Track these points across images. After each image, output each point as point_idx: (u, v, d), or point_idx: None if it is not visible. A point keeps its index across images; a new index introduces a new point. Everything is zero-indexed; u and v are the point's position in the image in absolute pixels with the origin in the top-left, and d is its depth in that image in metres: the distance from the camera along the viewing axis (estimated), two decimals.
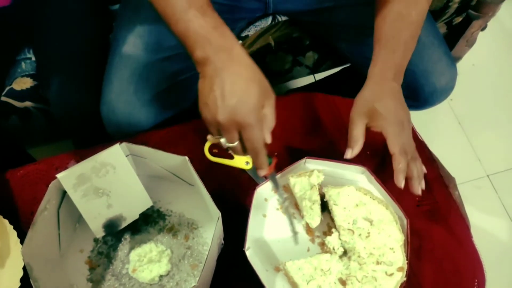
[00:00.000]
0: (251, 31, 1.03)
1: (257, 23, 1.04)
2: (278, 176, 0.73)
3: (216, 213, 0.62)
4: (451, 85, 0.93)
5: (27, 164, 0.78)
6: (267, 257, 0.68)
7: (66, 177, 0.63)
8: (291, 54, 1.11)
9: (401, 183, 0.67)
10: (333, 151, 0.80)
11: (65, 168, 0.65)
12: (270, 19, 1.04)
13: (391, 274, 0.65)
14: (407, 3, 0.73)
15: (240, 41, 1.03)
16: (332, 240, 0.68)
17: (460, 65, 1.31)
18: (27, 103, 1.00)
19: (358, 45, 0.94)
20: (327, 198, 0.71)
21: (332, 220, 0.71)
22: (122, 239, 0.72)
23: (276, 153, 0.69)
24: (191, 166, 0.66)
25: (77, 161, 0.66)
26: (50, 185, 0.63)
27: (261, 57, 1.07)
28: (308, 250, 0.70)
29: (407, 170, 0.68)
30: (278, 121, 0.82)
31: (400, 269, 0.65)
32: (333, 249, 0.68)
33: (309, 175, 0.71)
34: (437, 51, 0.90)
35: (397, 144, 0.67)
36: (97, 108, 0.86)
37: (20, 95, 0.99)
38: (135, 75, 0.82)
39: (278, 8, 0.98)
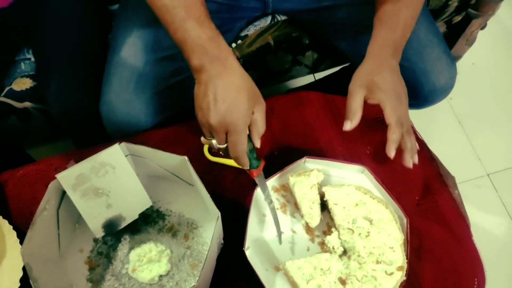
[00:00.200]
0: (251, 30, 1.03)
1: (256, 23, 1.04)
2: (277, 176, 0.73)
3: (216, 213, 0.62)
4: (451, 84, 0.93)
5: (26, 164, 0.78)
6: (266, 257, 0.68)
7: (66, 177, 0.63)
8: (290, 53, 1.11)
9: (391, 153, 0.68)
10: (332, 150, 0.80)
11: (65, 168, 0.65)
12: (269, 18, 1.04)
13: (391, 273, 0.65)
14: None
15: (240, 41, 1.03)
16: (331, 240, 0.68)
17: (459, 64, 1.30)
18: (27, 104, 1.00)
19: (357, 44, 0.94)
20: (326, 197, 0.71)
21: (332, 219, 0.71)
22: (122, 239, 0.72)
23: (263, 158, 0.71)
24: (191, 166, 0.66)
25: (77, 161, 0.66)
26: (49, 185, 0.63)
27: (261, 56, 1.07)
28: (308, 249, 0.70)
29: (401, 142, 0.69)
30: (278, 120, 0.83)
31: (400, 268, 0.65)
32: (333, 248, 0.68)
33: (309, 174, 0.71)
34: (436, 50, 0.90)
35: (394, 116, 0.68)
36: (97, 108, 0.86)
37: (19, 96, 0.99)
38: (135, 75, 0.82)
39: (277, 7, 0.98)
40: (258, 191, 0.71)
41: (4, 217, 0.70)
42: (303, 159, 0.74)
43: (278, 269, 0.68)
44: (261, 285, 0.63)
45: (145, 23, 0.84)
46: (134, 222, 0.71)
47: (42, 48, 0.95)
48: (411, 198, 0.76)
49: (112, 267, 0.70)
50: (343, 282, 0.65)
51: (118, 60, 0.83)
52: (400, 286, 0.64)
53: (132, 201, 0.69)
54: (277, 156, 0.79)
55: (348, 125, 0.70)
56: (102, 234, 0.68)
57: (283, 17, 1.04)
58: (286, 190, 0.74)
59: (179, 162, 0.68)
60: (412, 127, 0.82)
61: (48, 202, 0.63)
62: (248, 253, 0.65)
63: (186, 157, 0.66)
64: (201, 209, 0.73)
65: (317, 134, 0.82)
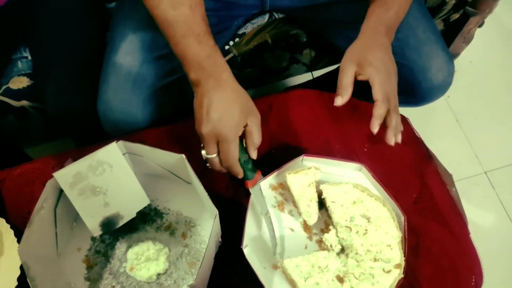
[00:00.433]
0: (248, 28, 1.03)
1: (254, 21, 1.04)
2: (275, 174, 0.73)
3: (214, 211, 0.62)
4: (449, 81, 0.93)
5: (23, 163, 0.78)
6: (264, 255, 0.68)
7: (63, 176, 0.63)
8: (288, 51, 1.11)
9: (374, 128, 0.68)
10: (330, 148, 0.80)
11: (62, 166, 0.64)
12: (267, 16, 1.04)
13: (389, 271, 0.65)
14: None
15: (237, 39, 1.03)
16: (329, 238, 0.68)
17: (457, 62, 1.31)
18: (24, 102, 1.00)
19: None
20: (324, 195, 0.71)
21: (330, 217, 0.71)
22: (120, 237, 0.72)
23: (259, 169, 0.72)
24: (188, 164, 0.66)
25: (74, 160, 0.66)
26: (46, 184, 0.63)
27: (258, 54, 1.07)
28: (306, 247, 0.70)
29: (387, 119, 0.70)
30: (275, 118, 0.83)
31: (397, 266, 0.65)
32: (331, 246, 0.68)
33: (306, 172, 0.71)
34: (434, 48, 0.90)
35: (381, 92, 0.68)
36: (94, 107, 0.86)
37: (16, 94, 0.98)
38: (132, 73, 0.82)
39: (274, 5, 0.98)
40: (260, 187, 0.71)
41: (1, 216, 0.70)
42: (300, 157, 0.74)
43: (276, 267, 0.68)
44: (259, 283, 0.63)
45: (142, 22, 0.83)
46: (132, 221, 0.70)
47: (39, 46, 0.95)
48: (408, 196, 0.76)
49: (110, 266, 0.70)
50: (340, 280, 0.65)
51: (116, 58, 0.83)
52: (397, 283, 0.64)
53: (129, 200, 0.69)
54: (275, 154, 0.79)
55: (339, 101, 0.70)
56: (100, 232, 0.68)
57: (281, 15, 1.04)
58: (283, 188, 0.74)
59: (176, 160, 0.67)
60: (410, 124, 0.83)
61: (45, 201, 0.63)
62: (246, 251, 0.65)
63: (183, 155, 0.66)
64: (199, 207, 0.73)
65: (314, 132, 0.82)
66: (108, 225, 0.68)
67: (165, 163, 0.71)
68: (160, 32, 0.83)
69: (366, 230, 0.68)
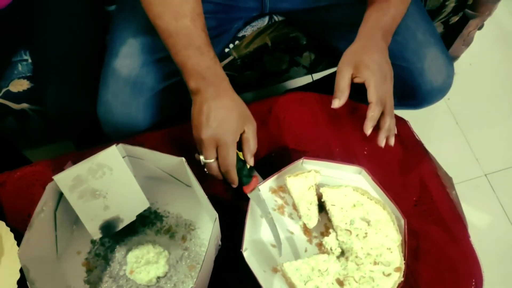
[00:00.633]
0: (248, 31, 1.04)
1: (253, 23, 1.04)
2: (274, 177, 0.73)
3: (213, 214, 0.62)
4: (448, 84, 0.93)
5: (22, 165, 0.78)
6: (264, 258, 0.68)
7: (63, 179, 0.63)
8: (288, 54, 1.11)
9: (367, 130, 0.70)
10: (330, 151, 0.80)
11: (62, 169, 0.64)
12: (266, 19, 1.04)
13: (389, 275, 0.65)
14: None
15: (237, 41, 1.03)
16: (329, 241, 0.68)
17: (457, 64, 1.31)
18: (24, 105, 1.00)
19: None
20: (324, 198, 0.71)
21: (330, 220, 0.71)
22: (119, 240, 0.72)
23: (257, 175, 0.74)
24: (188, 167, 0.66)
25: (74, 163, 0.66)
26: (46, 187, 0.63)
27: (258, 57, 1.07)
28: (306, 250, 0.70)
29: (380, 121, 0.71)
30: (275, 121, 0.83)
31: (397, 269, 0.65)
32: (331, 249, 0.68)
33: (306, 175, 0.71)
34: (434, 50, 0.90)
35: (375, 94, 0.69)
36: (94, 109, 0.86)
37: (16, 97, 0.99)
38: (132, 76, 0.82)
39: (274, 7, 0.98)
40: (259, 192, 0.71)
41: (1, 219, 0.70)
42: (300, 160, 0.74)
43: (276, 270, 0.68)
44: (259, 287, 0.63)
45: (142, 25, 0.84)
46: (132, 224, 0.70)
47: (39, 49, 0.95)
48: (408, 199, 0.76)
49: (110, 269, 0.70)
50: (340, 283, 0.65)
51: (115, 61, 0.83)
52: (397, 287, 0.64)
53: (129, 203, 0.69)
54: (275, 157, 0.79)
55: (337, 103, 0.71)
56: (100, 235, 0.68)
57: (281, 18, 1.05)
58: (283, 191, 0.74)
59: (176, 163, 0.67)
60: (409, 127, 0.83)
61: (45, 204, 0.63)
62: (246, 254, 0.65)
63: (183, 158, 0.66)
64: (199, 211, 0.73)
65: (314, 135, 0.82)
66: (108, 228, 0.68)
67: (165, 166, 0.71)
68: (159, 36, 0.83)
69: (366, 233, 0.68)
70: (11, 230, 0.68)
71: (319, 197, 0.71)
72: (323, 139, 0.82)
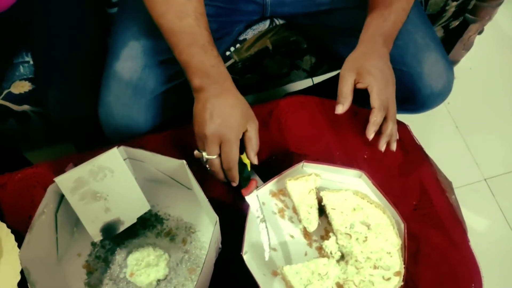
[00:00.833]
0: (249, 34, 1.04)
1: (254, 27, 1.04)
2: (275, 180, 0.73)
3: (214, 217, 0.62)
4: (448, 88, 0.94)
5: (22, 167, 0.78)
6: (264, 262, 0.68)
7: (64, 181, 0.63)
8: (288, 57, 1.11)
9: (370, 135, 0.71)
10: (330, 155, 0.80)
11: (63, 171, 0.65)
12: (267, 22, 1.04)
13: (388, 279, 0.65)
14: None
15: (238, 44, 1.03)
16: (329, 244, 0.68)
17: (457, 68, 1.31)
18: (25, 107, 1.00)
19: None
20: (324, 202, 0.71)
21: (330, 224, 0.71)
22: (120, 243, 0.72)
23: (255, 179, 0.74)
24: (189, 170, 0.66)
25: (75, 165, 0.66)
26: (48, 189, 0.63)
27: (259, 60, 1.07)
28: (306, 254, 0.70)
29: (383, 126, 0.72)
30: (276, 124, 0.83)
31: (397, 273, 0.65)
32: (331, 253, 0.68)
33: (307, 179, 0.72)
34: (434, 55, 0.90)
35: (378, 99, 0.70)
36: (95, 111, 0.87)
37: (18, 99, 0.99)
38: (133, 78, 0.83)
39: (275, 11, 0.99)
40: (257, 195, 0.71)
41: (1, 221, 0.70)
42: (301, 164, 0.74)
43: (276, 273, 0.68)
44: None
45: (144, 28, 0.84)
46: (132, 226, 0.70)
47: (41, 51, 0.95)
48: (408, 203, 0.76)
49: (110, 271, 0.70)
50: (340, 287, 0.65)
51: (117, 64, 0.83)
52: None
53: (130, 205, 0.69)
54: (275, 160, 0.79)
55: (340, 109, 0.72)
56: (100, 238, 0.68)
57: (281, 21, 1.05)
58: (284, 195, 0.74)
59: (177, 166, 0.68)
60: (409, 131, 0.83)
61: (46, 206, 0.63)
62: (246, 257, 0.65)
63: (184, 161, 0.66)
64: (199, 213, 0.73)
65: (315, 139, 0.82)
66: (108, 230, 0.68)
67: (166, 168, 0.71)
68: (161, 38, 0.83)
69: (366, 237, 0.68)
70: (12, 232, 0.68)
71: (319, 200, 0.71)
72: (323, 142, 0.82)
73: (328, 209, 0.70)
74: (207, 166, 0.70)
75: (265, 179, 0.73)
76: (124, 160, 0.68)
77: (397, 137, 0.75)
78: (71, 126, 0.95)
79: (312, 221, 0.69)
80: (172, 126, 0.83)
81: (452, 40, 1.32)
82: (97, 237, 0.68)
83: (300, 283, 0.64)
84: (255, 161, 0.71)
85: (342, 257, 0.68)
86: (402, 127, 0.83)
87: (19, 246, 0.64)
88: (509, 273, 1.32)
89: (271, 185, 0.74)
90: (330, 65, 1.19)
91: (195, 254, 0.71)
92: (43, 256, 0.65)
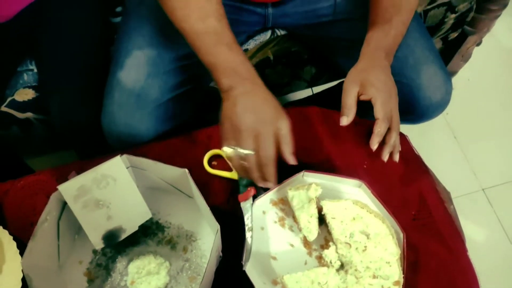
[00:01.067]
0: (251, 45, 1.05)
1: (256, 37, 1.05)
2: (275, 189, 0.73)
3: (215, 226, 0.63)
4: (447, 100, 0.95)
5: (24, 174, 0.78)
6: (264, 270, 0.69)
7: (67, 189, 0.64)
8: (289, 68, 1.12)
9: (374, 146, 0.73)
10: (330, 164, 0.81)
11: (66, 179, 0.65)
12: (269, 33, 1.05)
13: None
14: None
15: None
16: (329, 254, 0.69)
17: (455, 79, 1.33)
18: (29, 114, 1.01)
19: (354, 60, 0.96)
20: (324, 211, 0.71)
21: (330, 233, 0.71)
22: (121, 251, 0.72)
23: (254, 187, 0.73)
24: (191, 178, 0.67)
25: (78, 173, 0.67)
26: (51, 197, 0.63)
27: (260, 70, 1.08)
28: (306, 263, 0.71)
29: (386, 137, 0.74)
30: None
31: (396, 283, 0.65)
32: (330, 262, 0.68)
33: (307, 188, 0.72)
34: (432, 66, 0.92)
35: (382, 111, 0.72)
36: (98, 119, 0.87)
37: (21, 106, 0.99)
38: (136, 88, 0.83)
39: (277, 22, 1.00)
40: (256, 204, 0.72)
41: (4, 227, 0.70)
42: (301, 173, 0.74)
43: (276, 282, 0.68)
44: None
45: (148, 37, 0.85)
46: (134, 234, 0.71)
47: (45, 59, 0.96)
48: (407, 212, 0.76)
49: (111, 279, 0.70)
50: None
51: (120, 73, 0.84)
52: None
53: (132, 213, 0.70)
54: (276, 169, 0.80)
55: (345, 120, 0.73)
56: (102, 245, 0.68)
57: (283, 32, 1.06)
58: (284, 204, 0.75)
59: (179, 174, 0.68)
60: (408, 141, 0.84)
61: (49, 213, 0.64)
62: (246, 266, 0.65)
63: (186, 170, 0.67)
64: (200, 222, 0.73)
65: (315, 148, 0.83)
66: (110, 238, 0.68)
67: (168, 177, 0.71)
68: (164, 48, 0.84)
69: (365, 246, 0.68)
70: (14, 239, 0.69)
71: (320, 210, 0.72)
72: (323, 152, 0.83)
73: (328, 218, 0.71)
74: (242, 162, 0.67)
75: (266, 188, 0.73)
76: (127, 168, 0.68)
77: (400, 149, 0.76)
78: (73, 134, 0.96)
79: (312, 230, 0.70)
80: (174, 134, 0.84)
81: (451, 52, 1.34)
82: (99, 245, 0.68)
83: None
84: (292, 161, 0.68)
85: (342, 266, 0.69)
86: (401, 138, 0.84)
87: (21, 253, 0.65)
88: (507, 282, 1.32)
89: (271, 194, 0.74)
90: (330, 76, 1.20)
91: (196, 262, 0.71)
92: (44, 263, 0.65)
